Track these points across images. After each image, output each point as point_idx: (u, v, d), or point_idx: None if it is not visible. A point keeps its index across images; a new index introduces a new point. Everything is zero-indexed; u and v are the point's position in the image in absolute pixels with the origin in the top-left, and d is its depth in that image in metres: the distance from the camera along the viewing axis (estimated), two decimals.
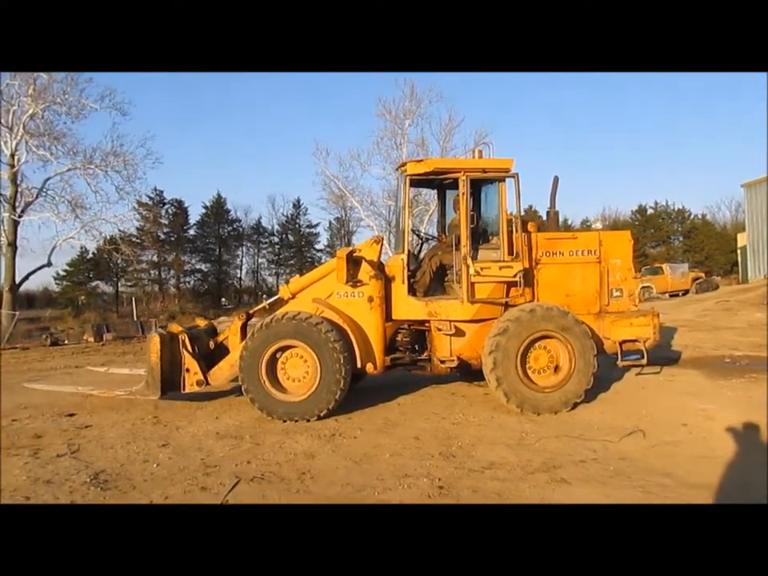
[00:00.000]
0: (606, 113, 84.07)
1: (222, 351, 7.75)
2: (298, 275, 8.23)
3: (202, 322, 8.62)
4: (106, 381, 9.24)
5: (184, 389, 7.39)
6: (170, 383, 7.31)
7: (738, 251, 36.31)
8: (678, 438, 5.78)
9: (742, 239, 33.97)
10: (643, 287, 29.99)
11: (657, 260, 44.11)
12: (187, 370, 7.34)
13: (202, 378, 7.32)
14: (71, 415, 7.46)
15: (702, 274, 33.24)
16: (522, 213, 7.06)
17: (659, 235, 57.04)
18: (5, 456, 5.76)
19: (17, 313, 23.33)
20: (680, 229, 58.38)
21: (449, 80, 54.73)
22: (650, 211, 58.16)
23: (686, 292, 29.75)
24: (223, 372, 7.43)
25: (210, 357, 7.62)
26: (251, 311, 8.19)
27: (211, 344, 7.90)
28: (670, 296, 28.89)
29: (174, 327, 7.75)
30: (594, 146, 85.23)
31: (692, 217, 58.21)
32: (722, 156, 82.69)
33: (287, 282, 7.80)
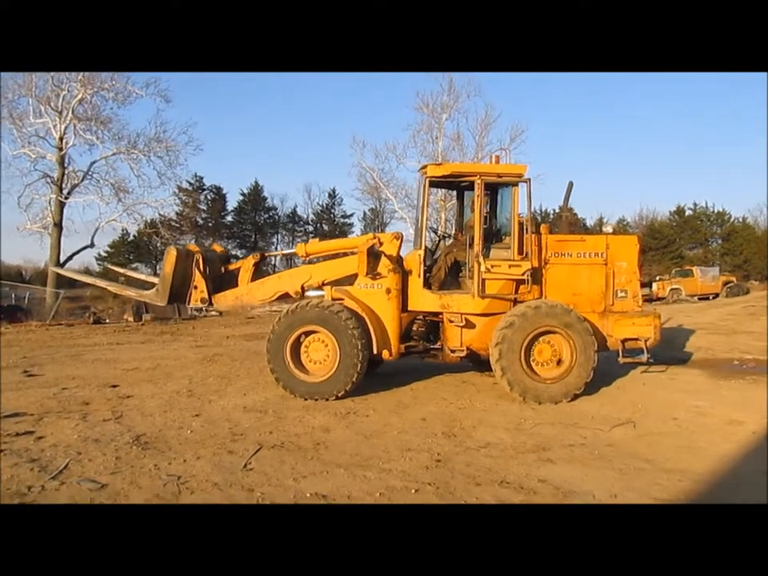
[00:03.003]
0: (647, 111, 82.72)
1: (230, 279, 8.44)
2: (318, 238, 8.94)
3: (218, 248, 9.34)
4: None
5: (189, 303, 8.18)
6: (177, 295, 8.09)
7: None
8: (665, 430, 6.20)
9: None
10: (672, 289, 29.99)
11: (692, 262, 43.70)
12: (195, 287, 8.10)
13: (207, 297, 8.08)
14: (114, 386, 8.21)
15: (734, 278, 32.95)
16: (536, 214, 7.55)
17: (697, 237, 56.11)
18: (57, 418, 6.50)
19: (62, 292, 24.43)
20: (719, 231, 57.34)
21: (487, 74, 54.71)
22: (688, 212, 57.26)
23: (716, 296, 29.59)
24: (227, 299, 8.20)
25: (219, 281, 8.33)
26: (266, 254, 9.21)
27: (222, 269, 8.60)
28: (699, 299, 28.82)
29: (191, 246, 8.46)
30: (634, 144, 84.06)
31: (732, 220, 57.12)
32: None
33: (305, 242, 8.45)
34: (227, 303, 8.23)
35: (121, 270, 10.92)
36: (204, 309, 8.21)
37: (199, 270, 8.06)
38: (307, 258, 8.28)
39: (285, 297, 8.30)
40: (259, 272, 8.48)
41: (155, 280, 8.48)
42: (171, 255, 7.86)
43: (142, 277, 10.42)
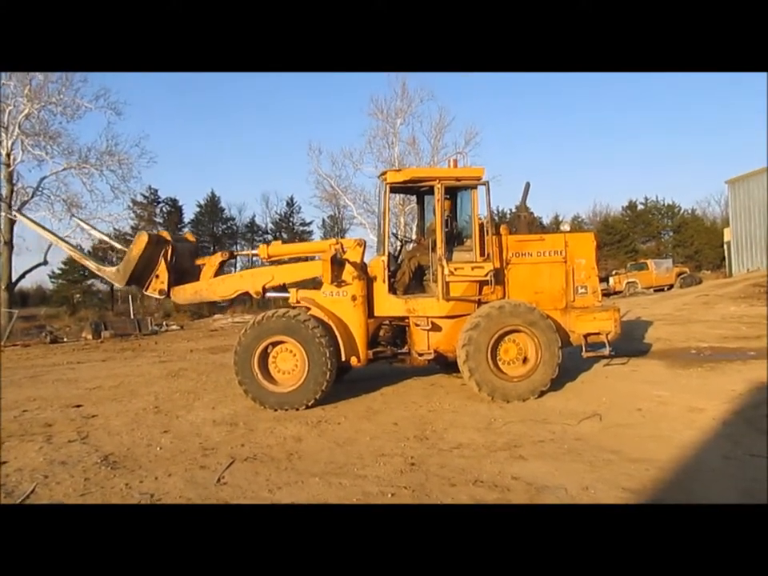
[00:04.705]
0: (598, 108, 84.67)
1: (194, 273, 8.29)
2: (280, 241, 8.90)
3: (190, 237, 9.15)
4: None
5: (146, 290, 8.02)
6: (137, 279, 7.92)
7: (725, 246, 36.87)
8: (631, 421, 6.35)
9: (728, 234, 34.50)
10: (628, 282, 30.75)
11: (646, 255, 44.82)
12: (156, 276, 7.94)
13: (165, 288, 7.93)
14: (78, 406, 8.04)
15: (686, 269, 33.97)
16: (495, 215, 7.68)
17: (649, 230, 57.58)
18: (19, 442, 6.33)
19: (15, 311, 23.73)
20: (670, 224, 58.93)
21: (440, 78, 55.24)
22: (640, 207, 58.74)
23: (671, 287, 30.40)
24: (185, 293, 8.08)
25: (182, 273, 8.18)
26: (235, 253, 9.22)
27: (191, 263, 8.45)
28: (655, 291, 29.55)
29: (164, 233, 8.29)
30: (587, 141, 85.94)
31: (682, 212, 58.84)
32: (713, 151, 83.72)
33: (268, 243, 8.43)
34: (185, 296, 8.10)
35: (89, 230, 10.53)
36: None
37: (165, 261, 7.88)
38: (269, 260, 8.24)
39: (244, 295, 8.26)
40: (222, 271, 8.39)
41: (118, 246, 8.27)
42: (142, 240, 7.64)
43: (105, 238, 10.10)
